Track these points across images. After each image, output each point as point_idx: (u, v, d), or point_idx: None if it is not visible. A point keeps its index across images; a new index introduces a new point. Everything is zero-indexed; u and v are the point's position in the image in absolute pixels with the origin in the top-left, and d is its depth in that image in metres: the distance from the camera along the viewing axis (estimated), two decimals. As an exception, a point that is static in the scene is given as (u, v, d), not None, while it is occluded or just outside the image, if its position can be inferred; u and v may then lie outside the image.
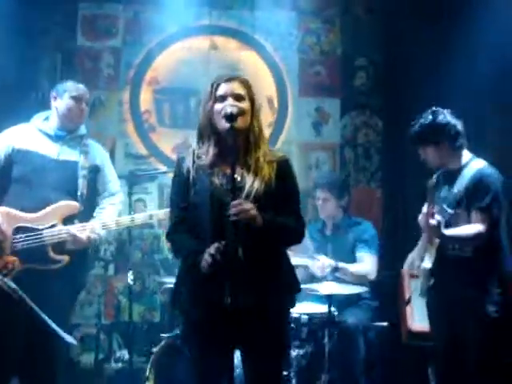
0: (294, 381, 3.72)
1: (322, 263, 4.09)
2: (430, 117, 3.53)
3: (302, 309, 3.85)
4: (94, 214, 3.66)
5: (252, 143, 2.70)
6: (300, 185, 4.71)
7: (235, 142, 2.63)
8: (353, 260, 4.24)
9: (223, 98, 2.67)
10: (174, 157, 4.99)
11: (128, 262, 4.27)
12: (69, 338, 2.73)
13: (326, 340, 3.75)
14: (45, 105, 3.84)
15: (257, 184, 2.64)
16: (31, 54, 4.94)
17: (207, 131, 2.71)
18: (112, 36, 5.04)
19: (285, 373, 3.70)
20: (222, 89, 2.68)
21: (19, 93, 4.80)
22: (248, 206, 2.55)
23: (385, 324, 4.00)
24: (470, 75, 4.42)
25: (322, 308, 3.88)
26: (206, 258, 2.54)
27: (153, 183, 4.94)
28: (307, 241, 4.05)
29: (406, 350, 4.15)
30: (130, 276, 4.08)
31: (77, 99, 3.63)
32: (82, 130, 3.74)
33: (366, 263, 4.24)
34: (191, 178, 2.69)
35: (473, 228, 3.42)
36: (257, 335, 2.64)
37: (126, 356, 4.77)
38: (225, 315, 2.52)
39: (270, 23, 5.08)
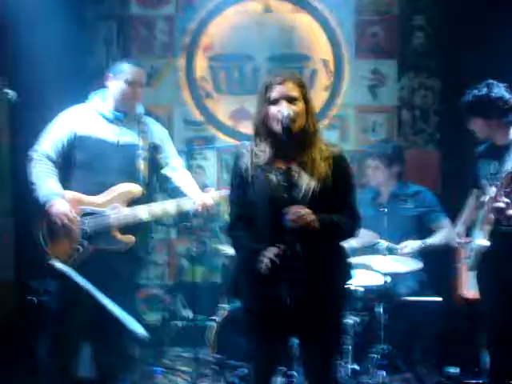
0: (349, 347, 3.84)
1: (407, 246, 4.16)
2: (485, 89, 3.51)
3: (357, 279, 3.92)
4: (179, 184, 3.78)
5: (307, 142, 2.75)
6: (357, 148, 4.85)
7: (291, 141, 2.69)
8: (412, 229, 4.29)
9: (276, 101, 2.70)
10: (230, 123, 5.06)
11: (189, 226, 4.43)
12: (139, 330, 2.81)
13: (381, 311, 3.86)
14: (101, 73, 3.89)
15: (313, 182, 2.71)
16: (88, 23, 5.01)
17: (263, 131, 2.77)
18: (165, 3, 5.02)
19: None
20: (276, 91, 2.71)
21: (77, 61, 4.89)
22: (305, 211, 2.62)
23: (439, 299, 4.06)
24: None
25: (377, 278, 3.96)
26: (266, 262, 2.64)
27: (211, 149, 5.00)
28: None
29: (459, 320, 4.22)
30: (193, 248, 4.24)
31: (131, 83, 3.65)
32: (139, 109, 3.78)
33: (447, 228, 4.28)
34: (249, 175, 2.77)
35: None
36: (315, 326, 2.76)
37: (190, 314, 5.01)
38: (284, 310, 2.66)
39: (326, -17, 4.96)
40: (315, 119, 2.80)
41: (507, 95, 3.47)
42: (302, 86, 2.76)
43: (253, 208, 2.76)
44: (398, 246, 4.16)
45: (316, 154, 2.74)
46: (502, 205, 3.32)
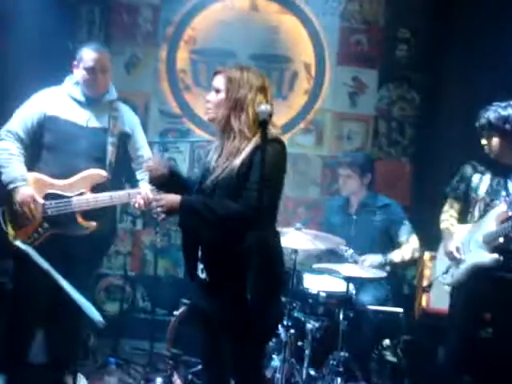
0: (307, 351, 3.81)
1: (367, 260, 4.15)
2: (509, 109, 3.54)
3: (320, 284, 3.94)
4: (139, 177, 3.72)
5: (224, 130, 2.75)
6: (331, 154, 4.85)
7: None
8: (378, 241, 4.29)
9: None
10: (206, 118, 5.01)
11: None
12: (96, 317, 2.76)
13: (341, 318, 3.84)
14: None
15: (227, 169, 2.66)
16: (71, 6, 4.92)
17: None
18: (151, -9, 4.98)
19: (299, 343, 3.84)
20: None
21: (57, 42, 4.79)
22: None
23: (400, 310, 4.06)
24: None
25: (340, 285, 3.95)
26: None
27: (185, 142, 4.96)
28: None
29: (419, 331, 4.24)
30: (158, 239, 4.20)
31: (90, 71, 3.56)
32: (112, 94, 3.71)
33: (413, 243, 4.29)
34: None
35: None
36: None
37: (149, 307, 4.95)
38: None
39: (314, -13, 4.97)
40: (237, 110, 2.69)
41: None
42: (229, 79, 2.76)
43: None
44: (359, 258, 4.16)
45: (235, 142, 2.67)
46: None
